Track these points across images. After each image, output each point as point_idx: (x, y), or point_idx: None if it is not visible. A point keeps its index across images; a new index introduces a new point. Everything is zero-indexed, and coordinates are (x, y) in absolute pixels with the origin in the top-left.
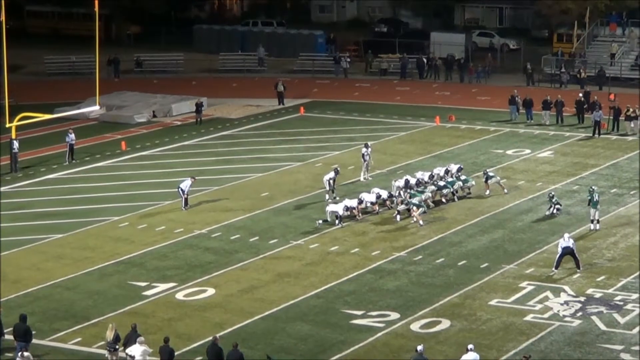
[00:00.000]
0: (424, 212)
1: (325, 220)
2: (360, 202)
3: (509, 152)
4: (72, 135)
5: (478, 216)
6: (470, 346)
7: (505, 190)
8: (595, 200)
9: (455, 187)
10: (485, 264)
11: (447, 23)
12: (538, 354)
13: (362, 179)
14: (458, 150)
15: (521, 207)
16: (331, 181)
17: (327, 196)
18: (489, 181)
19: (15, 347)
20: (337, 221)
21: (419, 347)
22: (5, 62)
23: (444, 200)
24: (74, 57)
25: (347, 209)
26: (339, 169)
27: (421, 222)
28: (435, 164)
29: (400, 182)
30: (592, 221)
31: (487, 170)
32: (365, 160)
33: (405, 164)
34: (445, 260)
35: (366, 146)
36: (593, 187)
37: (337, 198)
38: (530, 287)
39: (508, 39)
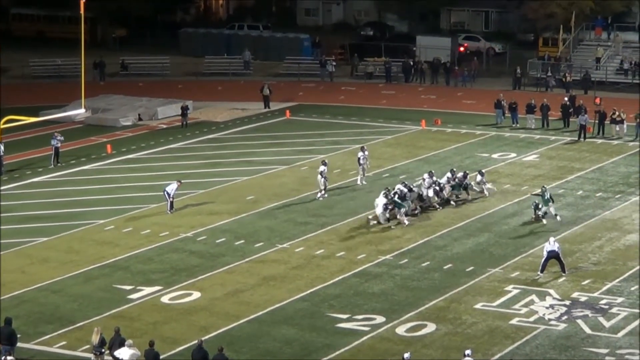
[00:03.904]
0: (406, 211)
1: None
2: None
3: (495, 155)
4: (59, 138)
5: (464, 220)
6: (467, 352)
7: (487, 194)
8: (547, 197)
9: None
10: (471, 268)
11: (433, 27)
12: (523, 357)
13: (359, 182)
14: (444, 153)
15: (507, 210)
16: (324, 173)
17: (321, 193)
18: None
19: None
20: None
21: (406, 355)
22: None
23: (452, 202)
24: (59, 60)
25: (386, 208)
26: (326, 160)
27: (406, 221)
28: (422, 168)
29: (447, 176)
30: (555, 215)
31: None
32: (360, 164)
33: (391, 168)
34: (430, 263)
35: (362, 149)
36: (544, 187)
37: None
38: (515, 291)
39: (494, 43)
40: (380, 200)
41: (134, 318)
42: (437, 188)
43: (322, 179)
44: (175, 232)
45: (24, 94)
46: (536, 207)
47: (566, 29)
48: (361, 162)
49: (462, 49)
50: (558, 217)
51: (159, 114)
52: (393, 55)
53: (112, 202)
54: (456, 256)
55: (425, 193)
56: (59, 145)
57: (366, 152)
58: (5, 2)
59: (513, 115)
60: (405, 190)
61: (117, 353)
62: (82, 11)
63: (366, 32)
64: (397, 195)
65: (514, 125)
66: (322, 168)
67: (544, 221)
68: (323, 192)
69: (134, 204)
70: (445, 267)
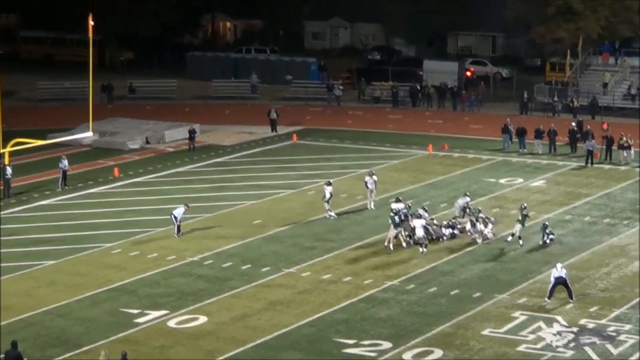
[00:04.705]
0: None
1: (420, 244)
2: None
3: (502, 181)
4: (65, 162)
5: (470, 245)
6: None
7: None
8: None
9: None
10: (478, 294)
11: (440, 51)
12: None
13: (369, 207)
14: (451, 178)
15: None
16: (328, 194)
17: (330, 213)
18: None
19: None
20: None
21: None
22: None
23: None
24: (67, 83)
25: (426, 230)
26: (330, 181)
27: (403, 243)
28: (428, 193)
29: (462, 201)
30: (519, 237)
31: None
32: (368, 188)
33: (397, 192)
34: (437, 289)
35: (370, 174)
36: (524, 205)
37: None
38: (523, 317)
39: (501, 68)
40: (418, 222)
41: (140, 342)
42: (430, 228)
43: (369, 189)
44: (182, 256)
45: (31, 117)
46: (545, 229)
47: (573, 54)
48: (369, 186)
49: (468, 73)
50: (520, 241)
51: (166, 138)
52: (400, 79)
53: (119, 225)
54: (463, 282)
55: (413, 226)
56: (67, 168)
57: (374, 177)
58: (13, 25)
59: (521, 140)
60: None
61: None
62: (90, 34)
63: (373, 56)
64: (399, 216)
65: (521, 151)
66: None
67: (548, 242)
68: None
69: (141, 228)
70: (452, 293)
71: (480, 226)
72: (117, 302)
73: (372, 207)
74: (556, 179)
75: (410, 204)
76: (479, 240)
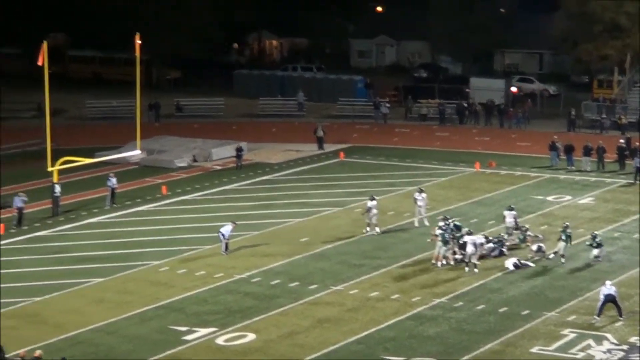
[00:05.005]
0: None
1: (464, 262)
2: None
3: (550, 198)
4: (114, 180)
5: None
6: None
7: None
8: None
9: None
10: (527, 311)
11: (486, 68)
12: None
13: (416, 224)
14: (498, 196)
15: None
16: (374, 210)
17: (368, 229)
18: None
19: None
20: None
21: None
22: (48, 106)
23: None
24: (115, 101)
25: (475, 246)
26: (374, 196)
27: (451, 261)
28: (475, 210)
29: (509, 218)
30: (562, 256)
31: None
32: (417, 205)
33: (444, 210)
34: (486, 306)
35: (420, 191)
36: (566, 223)
37: (372, 229)
38: (572, 335)
39: (548, 85)
40: (478, 239)
41: None
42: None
43: (372, 215)
44: (229, 274)
45: (80, 135)
46: (593, 238)
47: (621, 71)
48: (419, 203)
49: (514, 90)
50: (562, 259)
51: (213, 156)
52: (447, 97)
53: (167, 243)
54: (511, 299)
55: (462, 242)
56: (116, 186)
57: (424, 194)
58: (62, 44)
59: (568, 157)
60: (459, 231)
61: None
62: (137, 53)
63: (420, 73)
64: (447, 232)
65: (569, 168)
66: (371, 203)
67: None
68: (370, 228)
69: (189, 245)
70: (500, 311)
71: (529, 244)
72: (165, 320)
73: (425, 223)
74: (604, 196)
75: (456, 222)
76: (528, 257)
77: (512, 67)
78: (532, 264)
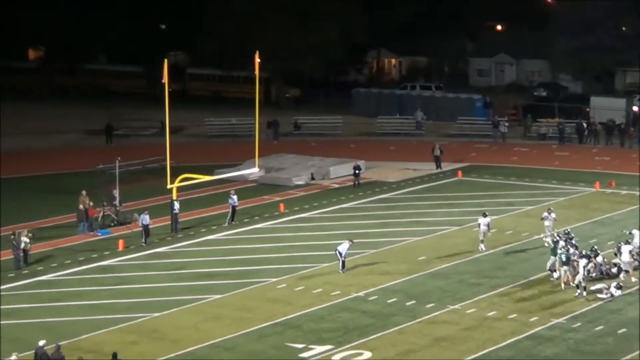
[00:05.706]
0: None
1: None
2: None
3: None
4: (235, 197)
5: (637, 284)
6: None
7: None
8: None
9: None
10: None
11: (607, 87)
12: None
13: (545, 243)
14: (618, 216)
15: None
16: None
17: (482, 246)
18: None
19: None
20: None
21: None
22: (168, 124)
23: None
24: (234, 119)
25: (588, 272)
26: (486, 213)
27: (571, 283)
28: (595, 230)
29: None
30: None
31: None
32: (546, 225)
33: (563, 229)
34: (604, 327)
35: (549, 211)
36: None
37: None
38: None
39: None
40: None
41: None
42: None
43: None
44: (346, 292)
45: (199, 153)
46: None
47: None
48: (547, 223)
49: (635, 109)
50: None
51: (331, 174)
52: (566, 116)
53: (285, 260)
54: (630, 320)
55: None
56: (237, 204)
57: (552, 214)
58: (182, 63)
59: None
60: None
61: None
62: (256, 71)
63: (539, 92)
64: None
65: None
66: (485, 220)
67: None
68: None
69: (306, 263)
70: (619, 332)
71: None
72: (282, 337)
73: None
74: None
75: (575, 241)
76: None
77: (634, 86)
78: None
